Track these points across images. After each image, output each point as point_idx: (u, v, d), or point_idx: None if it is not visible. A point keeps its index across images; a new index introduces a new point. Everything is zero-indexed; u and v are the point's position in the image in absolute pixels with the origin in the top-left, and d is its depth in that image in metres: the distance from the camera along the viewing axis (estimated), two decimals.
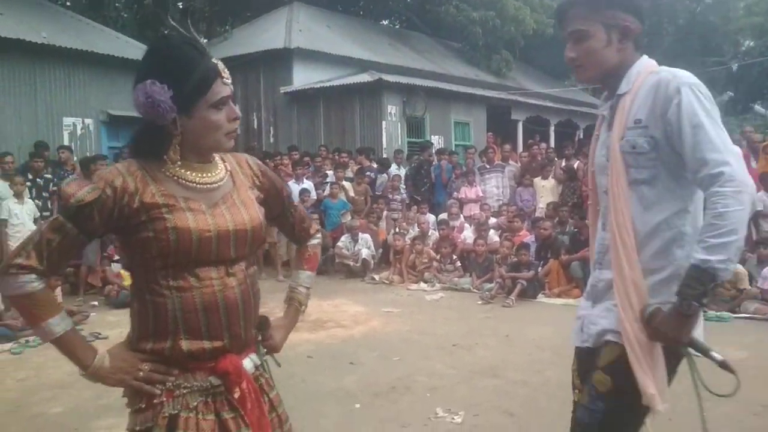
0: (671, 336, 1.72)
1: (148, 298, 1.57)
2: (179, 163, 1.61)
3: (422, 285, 8.80)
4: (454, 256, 9.12)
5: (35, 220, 8.02)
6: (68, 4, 17.89)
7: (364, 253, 9.46)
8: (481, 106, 15.99)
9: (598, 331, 1.92)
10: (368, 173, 11.05)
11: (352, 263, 9.55)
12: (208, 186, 1.63)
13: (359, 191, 10.66)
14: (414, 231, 9.67)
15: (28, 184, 8.33)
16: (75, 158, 9.77)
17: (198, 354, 1.58)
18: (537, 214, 9.87)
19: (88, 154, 10.13)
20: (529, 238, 8.84)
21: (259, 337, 1.77)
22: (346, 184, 10.58)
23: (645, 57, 1.93)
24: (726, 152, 1.68)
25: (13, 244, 7.75)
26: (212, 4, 19.26)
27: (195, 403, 1.57)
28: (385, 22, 22.88)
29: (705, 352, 1.70)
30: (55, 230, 1.52)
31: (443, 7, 18.13)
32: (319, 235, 2.01)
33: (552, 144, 15.89)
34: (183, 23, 1.65)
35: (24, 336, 6.19)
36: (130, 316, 1.65)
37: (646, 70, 1.87)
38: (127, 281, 7.86)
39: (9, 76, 10.07)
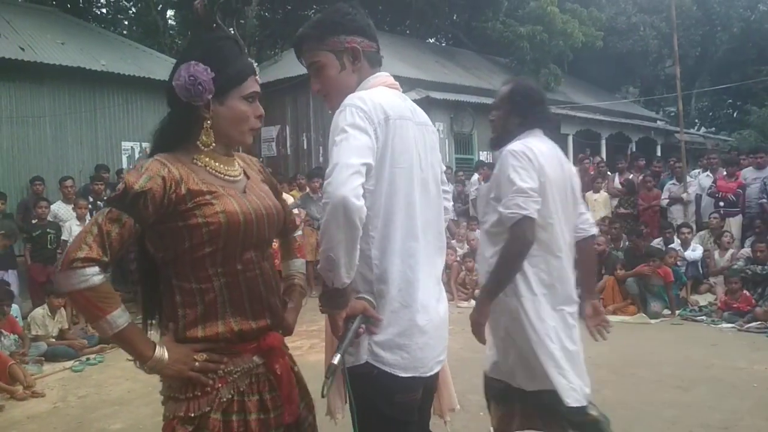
0: (332, 332, 1.84)
1: (195, 286, 1.65)
2: (211, 147, 1.71)
3: (473, 302, 8.67)
4: None
5: None
6: (125, 33, 18.59)
7: None
8: None
9: None
10: None
11: None
12: (234, 177, 1.76)
13: None
14: (464, 248, 9.61)
15: (89, 206, 8.61)
16: None
17: (246, 333, 1.69)
18: None
19: None
20: None
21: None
22: None
23: (378, 74, 1.97)
24: (333, 165, 1.68)
25: None
26: (262, 28, 19.71)
27: (243, 387, 1.68)
28: (432, 40, 22.97)
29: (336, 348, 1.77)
30: (113, 221, 1.56)
31: (490, 23, 18.09)
32: (300, 229, 2.15)
33: (604, 157, 15.61)
34: (228, 26, 1.74)
35: (85, 354, 6.39)
36: (165, 309, 1.72)
37: (361, 90, 1.91)
38: None
39: (71, 103, 10.49)
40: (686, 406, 4.36)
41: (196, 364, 1.63)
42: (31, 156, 9.89)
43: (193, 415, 1.63)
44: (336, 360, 1.69)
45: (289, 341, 1.92)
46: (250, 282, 1.70)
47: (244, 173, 1.83)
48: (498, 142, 2.80)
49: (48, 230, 7.94)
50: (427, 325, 1.87)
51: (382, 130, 1.79)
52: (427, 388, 1.97)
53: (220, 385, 1.65)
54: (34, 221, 8.07)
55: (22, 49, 10.06)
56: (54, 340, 6.56)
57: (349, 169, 1.65)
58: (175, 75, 1.66)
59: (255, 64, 1.77)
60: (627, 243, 8.69)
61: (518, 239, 2.41)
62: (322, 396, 1.74)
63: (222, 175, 1.73)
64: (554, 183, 2.55)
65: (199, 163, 1.71)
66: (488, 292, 2.56)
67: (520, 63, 18.32)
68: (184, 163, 1.68)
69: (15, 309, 6.76)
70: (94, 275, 1.53)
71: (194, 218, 1.61)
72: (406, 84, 14.97)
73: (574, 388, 2.50)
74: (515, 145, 2.57)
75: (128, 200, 1.56)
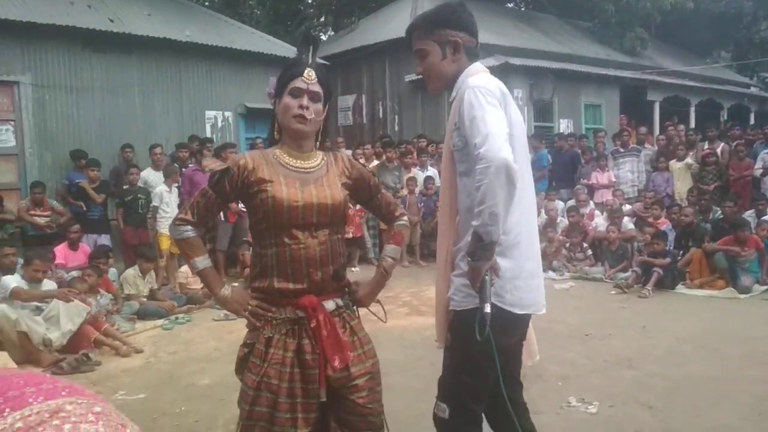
0: (471, 283, 2.07)
1: (258, 250, 2.20)
2: (284, 145, 2.21)
3: (551, 273, 8.56)
4: (585, 244, 8.82)
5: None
6: (206, 3, 18.98)
7: None
8: (613, 88, 15.28)
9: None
10: None
11: None
12: (304, 170, 2.20)
13: None
14: (542, 218, 9.44)
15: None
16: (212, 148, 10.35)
17: (285, 291, 2.16)
18: (673, 200, 9.35)
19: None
20: (666, 225, 8.37)
21: (346, 289, 2.30)
22: None
23: (475, 64, 2.27)
24: (485, 135, 1.96)
25: (163, 230, 8.33)
26: None
27: (284, 330, 2.15)
28: (511, 5, 22.38)
29: (480, 300, 2.03)
30: (202, 195, 2.21)
31: None
32: (405, 217, 2.48)
33: (692, 125, 14.91)
34: (306, 43, 2.27)
35: (174, 314, 6.71)
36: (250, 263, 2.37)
37: (466, 78, 2.21)
38: None
39: (157, 73, 10.84)
40: None
41: (249, 307, 2.18)
42: (122, 124, 10.30)
43: (248, 342, 2.21)
44: (488, 309, 1.98)
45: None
46: (294, 253, 2.13)
47: (327, 167, 2.24)
48: None
49: (139, 195, 8.31)
50: (538, 270, 2.28)
51: (503, 104, 2.10)
52: (523, 335, 2.33)
53: (264, 326, 2.15)
54: (125, 187, 8.46)
55: (111, 21, 10.44)
56: (145, 299, 6.92)
57: (501, 137, 1.96)
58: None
59: (308, 70, 2.15)
60: (718, 214, 8.29)
61: None
62: (479, 339, 1.98)
63: (291, 168, 2.18)
64: None
65: (275, 158, 2.19)
66: None
67: (604, 26, 17.61)
68: (267, 157, 2.19)
69: (113, 273, 7.16)
70: (186, 231, 2.20)
71: (256, 199, 2.14)
72: (484, 50, 14.63)
73: None
74: None
75: (213, 181, 2.18)
